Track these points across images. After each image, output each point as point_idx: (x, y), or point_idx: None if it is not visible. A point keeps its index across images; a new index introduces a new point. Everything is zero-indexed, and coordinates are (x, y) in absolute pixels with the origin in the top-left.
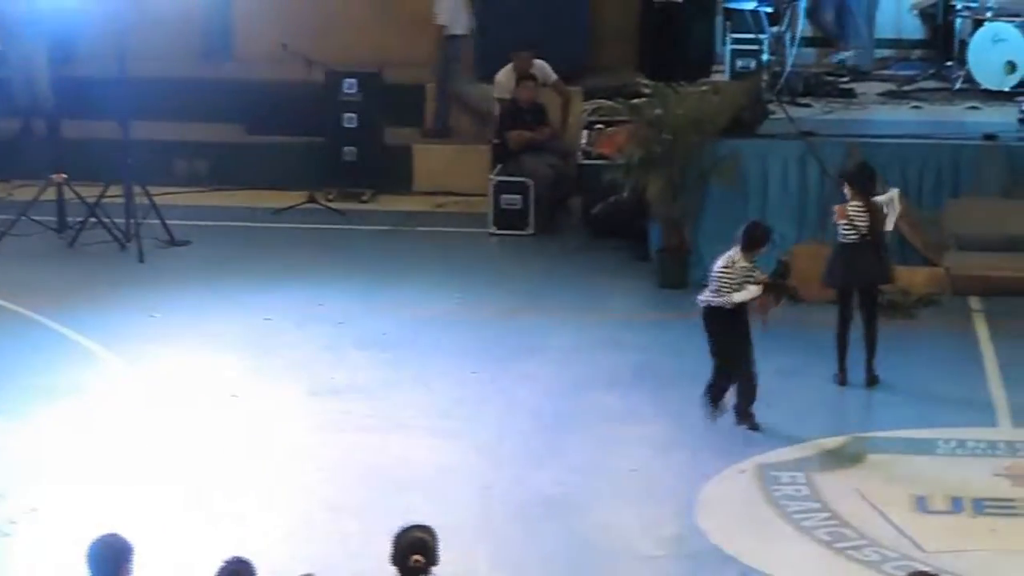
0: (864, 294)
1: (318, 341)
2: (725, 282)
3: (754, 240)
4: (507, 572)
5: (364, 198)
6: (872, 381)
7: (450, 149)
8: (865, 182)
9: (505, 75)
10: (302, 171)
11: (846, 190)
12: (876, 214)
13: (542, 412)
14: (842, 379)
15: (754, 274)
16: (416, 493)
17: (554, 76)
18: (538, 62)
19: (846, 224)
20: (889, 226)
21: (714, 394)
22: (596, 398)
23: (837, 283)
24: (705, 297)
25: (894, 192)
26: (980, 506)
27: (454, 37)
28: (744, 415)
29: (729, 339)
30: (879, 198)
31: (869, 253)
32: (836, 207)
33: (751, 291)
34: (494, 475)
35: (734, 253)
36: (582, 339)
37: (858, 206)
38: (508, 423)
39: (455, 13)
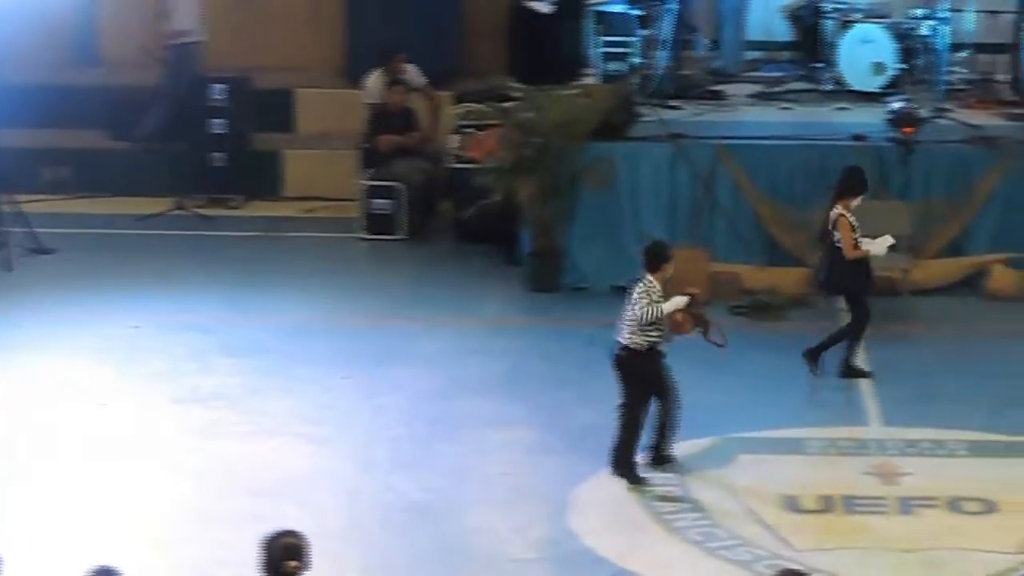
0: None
1: (186, 348)
2: (645, 306)
3: (657, 258)
4: None
5: (233, 204)
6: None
7: (320, 155)
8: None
9: (375, 80)
10: (170, 177)
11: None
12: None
13: (412, 418)
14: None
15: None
16: (286, 499)
17: (423, 80)
18: (408, 66)
19: None
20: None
21: (622, 456)
22: (466, 403)
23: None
24: (625, 340)
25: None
26: (850, 504)
27: (187, 44)
28: (662, 457)
29: (648, 383)
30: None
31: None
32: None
33: (676, 301)
34: (364, 481)
35: (645, 281)
36: (452, 344)
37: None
38: (378, 429)
39: (189, 18)
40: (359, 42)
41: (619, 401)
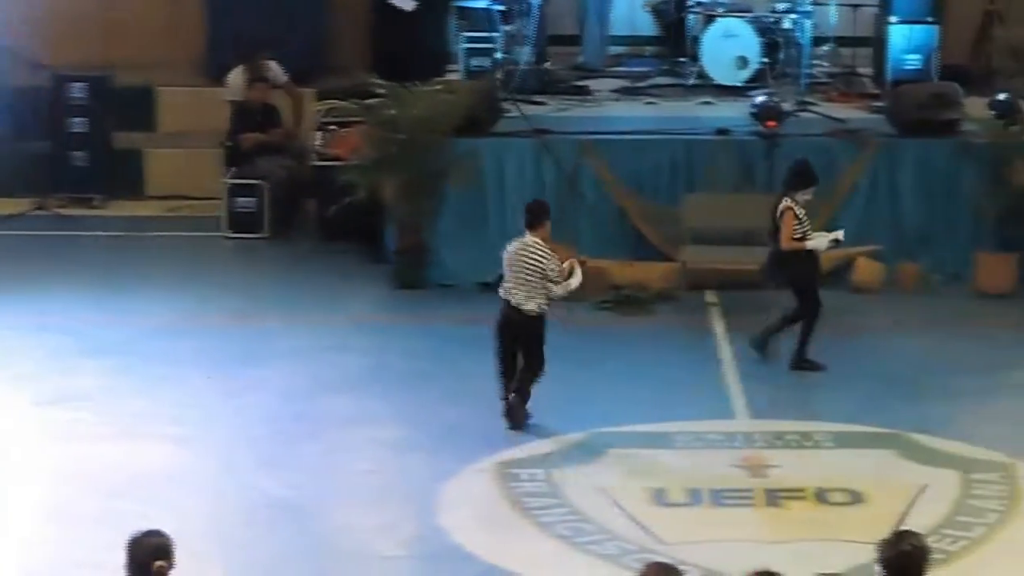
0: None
1: (48, 350)
2: (553, 270)
3: (536, 215)
4: None
5: (95, 204)
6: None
7: (182, 153)
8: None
9: (236, 76)
10: (30, 177)
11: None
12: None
13: (276, 416)
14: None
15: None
16: (148, 499)
17: (284, 77)
18: (270, 63)
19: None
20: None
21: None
22: (330, 401)
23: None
24: (531, 307)
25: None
26: (718, 497)
27: None
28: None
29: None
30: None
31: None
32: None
33: (578, 276)
34: (228, 480)
35: (529, 239)
36: (316, 342)
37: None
38: (241, 428)
39: None
40: (220, 39)
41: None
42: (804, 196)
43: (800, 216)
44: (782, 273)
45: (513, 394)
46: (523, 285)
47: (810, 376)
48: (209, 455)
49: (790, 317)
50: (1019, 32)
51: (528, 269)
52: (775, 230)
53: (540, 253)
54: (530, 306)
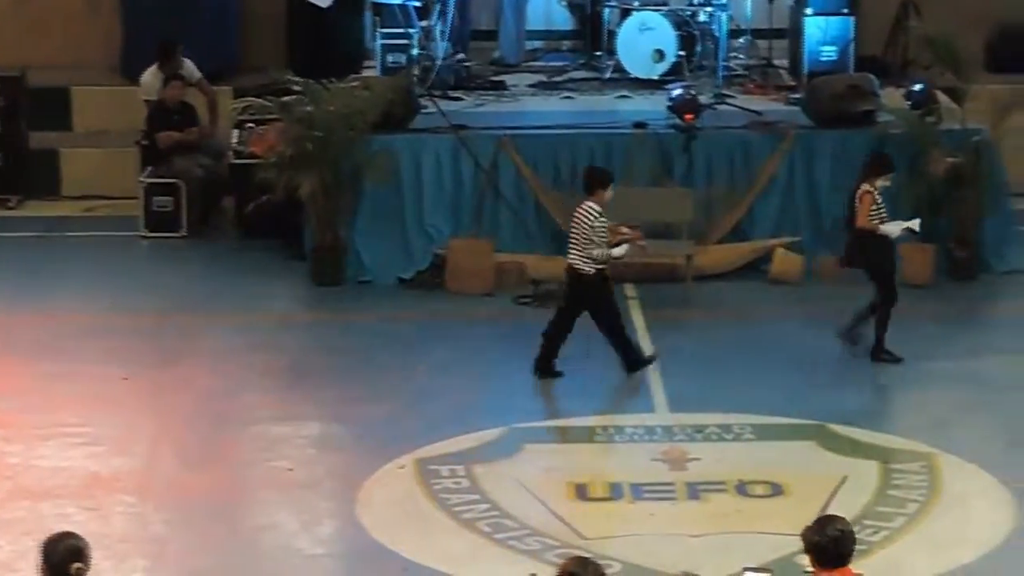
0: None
1: None
2: (599, 233)
3: (589, 180)
4: None
5: (10, 204)
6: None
7: (99, 152)
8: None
9: (152, 75)
10: None
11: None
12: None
13: (196, 415)
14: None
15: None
16: (68, 501)
17: (198, 74)
18: (185, 61)
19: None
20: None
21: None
22: (252, 399)
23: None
24: (581, 265)
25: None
26: (638, 491)
27: None
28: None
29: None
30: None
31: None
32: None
33: (622, 249)
34: (149, 480)
35: (585, 203)
36: (237, 341)
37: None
38: (162, 428)
39: None
40: (136, 38)
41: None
42: (884, 183)
43: (878, 201)
44: (861, 258)
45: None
46: (575, 246)
47: (730, 368)
48: (130, 455)
49: (874, 304)
50: (934, 23)
51: (577, 230)
52: (852, 217)
53: (589, 215)
54: (580, 265)
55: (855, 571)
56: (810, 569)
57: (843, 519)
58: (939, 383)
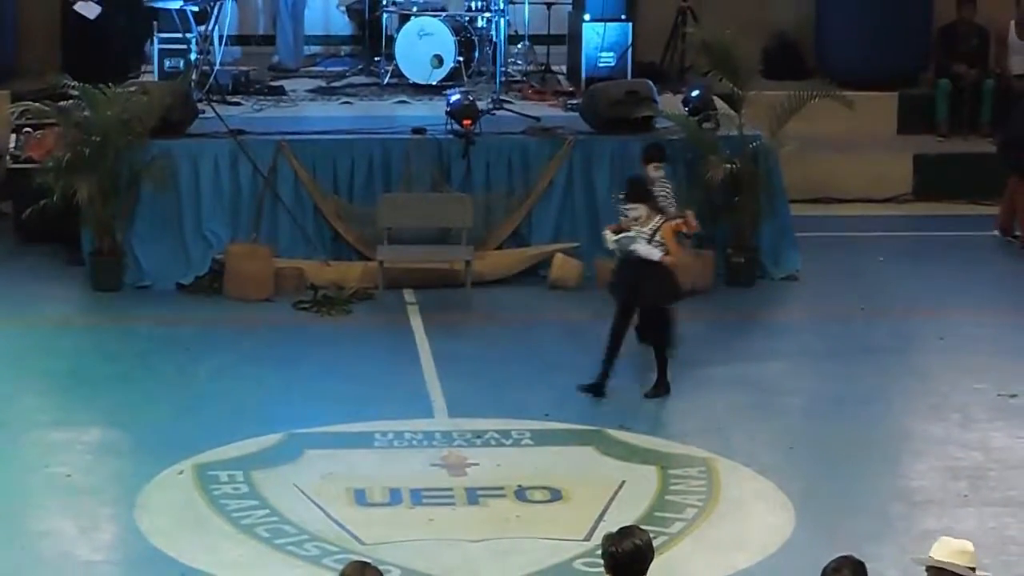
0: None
1: None
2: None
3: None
4: None
5: None
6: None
7: None
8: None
9: None
10: None
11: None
12: None
13: None
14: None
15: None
16: None
17: None
18: None
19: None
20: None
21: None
22: (28, 404)
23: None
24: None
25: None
26: (417, 496)
27: None
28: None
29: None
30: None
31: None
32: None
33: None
34: None
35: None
36: (12, 346)
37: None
38: None
39: None
40: None
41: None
42: (655, 172)
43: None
44: None
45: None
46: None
47: (508, 373)
48: None
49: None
50: (711, 29)
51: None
52: None
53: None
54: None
55: None
56: None
57: (643, 531)
58: (716, 388)
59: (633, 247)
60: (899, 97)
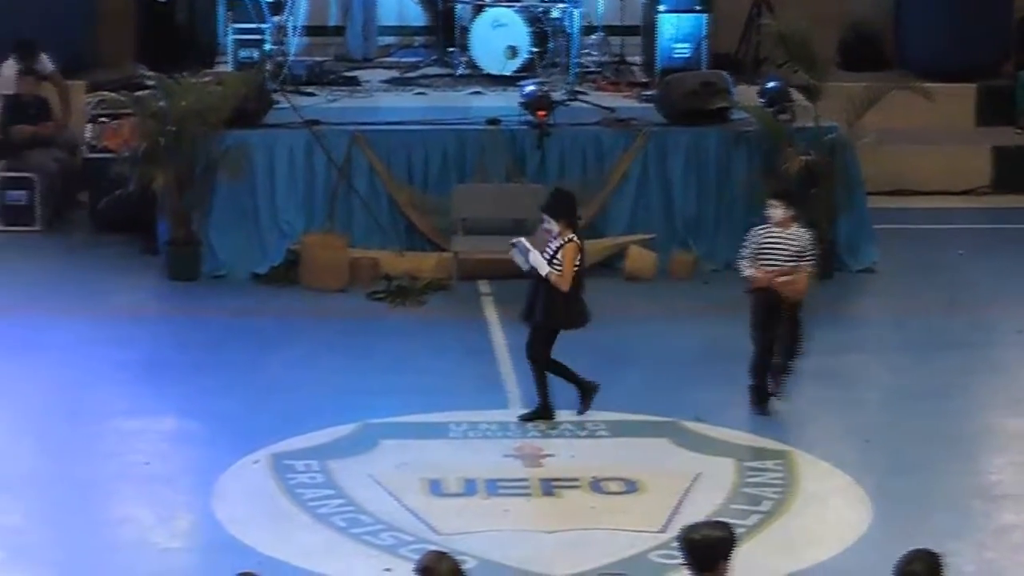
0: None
1: None
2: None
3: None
4: (23, 571)
5: None
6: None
7: None
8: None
9: (8, 69)
10: None
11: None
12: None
13: (50, 409)
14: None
15: None
16: None
17: (51, 67)
18: (41, 55)
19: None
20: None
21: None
22: (105, 394)
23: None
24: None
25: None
26: (493, 487)
27: None
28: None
29: None
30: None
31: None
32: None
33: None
34: (4, 474)
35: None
36: (89, 335)
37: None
38: (13, 421)
39: None
40: None
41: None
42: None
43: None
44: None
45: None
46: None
47: (584, 365)
48: None
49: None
50: (787, 20)
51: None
52: None
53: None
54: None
55: None
56: None
57: (724, 523)
58: (793, 380)
59: (527, 256)
60: (978, 89)
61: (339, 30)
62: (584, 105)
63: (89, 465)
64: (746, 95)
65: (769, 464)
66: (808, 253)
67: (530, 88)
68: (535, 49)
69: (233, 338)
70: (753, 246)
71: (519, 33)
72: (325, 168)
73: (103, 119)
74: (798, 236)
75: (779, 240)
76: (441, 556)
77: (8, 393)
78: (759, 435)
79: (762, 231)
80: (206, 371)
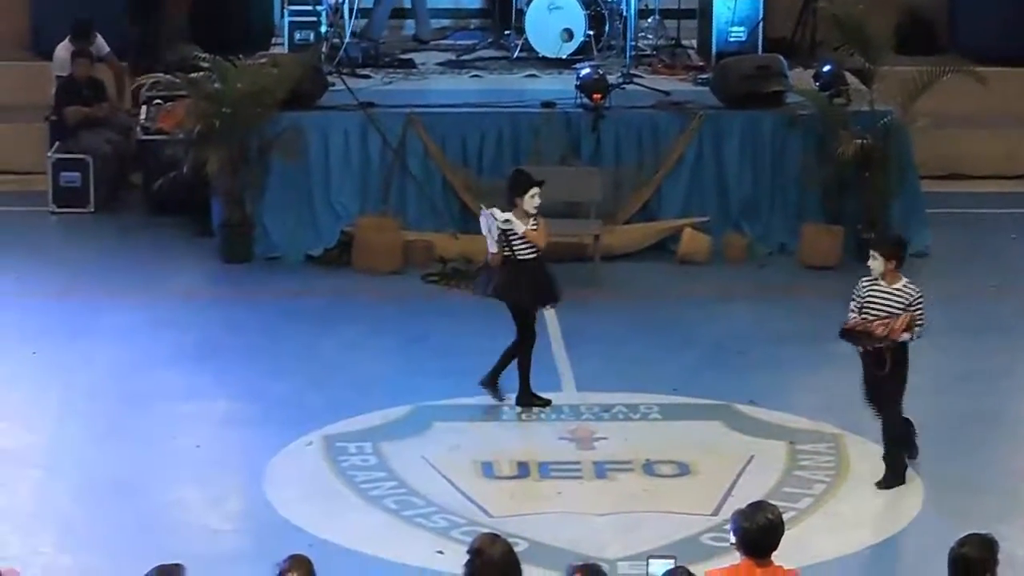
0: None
1: None
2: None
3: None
4: (74, 554)
5: None
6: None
7: (7, 128)
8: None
9: (63, 50)
10: None
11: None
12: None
13: (104, 392)
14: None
15: None
16: None
17: (107, 49)
18: (94, 36)
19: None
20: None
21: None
22: (158, 376)
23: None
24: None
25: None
26: (545, 470)
27: None
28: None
29: None
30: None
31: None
32: None
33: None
34: (56, 456)
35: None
36: (142, 317)
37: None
38: (69, 403)
39: None
40: (45, 13)
41: None
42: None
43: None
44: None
45: None
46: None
47: (636, 348)
48: (37, 431)
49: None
50: (843, 4)
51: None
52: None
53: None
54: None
55: (776, 564)
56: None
57: (774, 507)
58: (845, 364)
59: (503, 221)
60: None
61: (396, 12)
62: (639, 88)
63: (142, 448)
64: (801, 79)
65: (821, 447)
66: (915, 310)
67: (586, 71)
68: (591, 32)
69: (286, 320)
70: (858, 299)
71: (575, 16)
72: (380, 150)
73: (157, 101)
74: (906, 293)
75: (885, 296)
76: (494, 538)
77: (62, 376)
78: (811, 418)
79: (867, 283)
80: (259, 353)
